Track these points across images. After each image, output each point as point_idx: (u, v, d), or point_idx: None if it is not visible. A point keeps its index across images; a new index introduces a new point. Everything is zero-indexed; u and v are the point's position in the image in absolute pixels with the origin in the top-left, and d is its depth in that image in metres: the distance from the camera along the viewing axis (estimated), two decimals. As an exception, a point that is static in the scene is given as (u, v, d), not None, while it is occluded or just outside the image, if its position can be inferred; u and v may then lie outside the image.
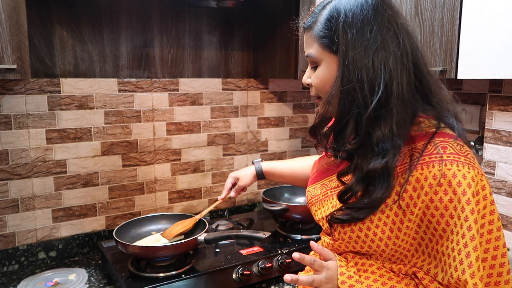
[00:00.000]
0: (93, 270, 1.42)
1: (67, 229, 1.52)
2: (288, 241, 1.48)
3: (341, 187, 0.86)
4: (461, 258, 0.72)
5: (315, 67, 0.86)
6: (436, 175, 0.74)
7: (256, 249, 1.40)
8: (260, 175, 1.37)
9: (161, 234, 1.36)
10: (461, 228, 0.73)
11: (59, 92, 1.44)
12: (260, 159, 1.41)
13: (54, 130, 1.45)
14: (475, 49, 1.17)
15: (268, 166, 1.37)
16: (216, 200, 1.43)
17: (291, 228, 1.58)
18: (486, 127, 1.35)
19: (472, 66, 1.17)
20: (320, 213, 0.94)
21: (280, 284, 1.36)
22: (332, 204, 0.90)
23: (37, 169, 1.44)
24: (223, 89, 1.77)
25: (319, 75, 0.85)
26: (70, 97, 1.47)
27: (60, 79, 1.44)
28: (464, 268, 0.72)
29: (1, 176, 1.39)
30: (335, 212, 0.85)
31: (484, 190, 0.75)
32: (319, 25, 0.83)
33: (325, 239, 0.94)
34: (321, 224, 0.95)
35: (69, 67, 1.46)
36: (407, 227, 0.79)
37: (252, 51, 1.81)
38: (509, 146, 1.30)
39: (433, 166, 0.75)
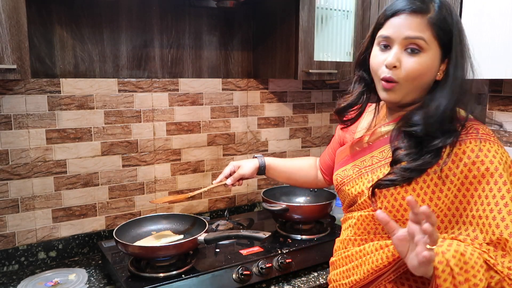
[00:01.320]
0: (93, 270, 1.42)
1: (67, 229, 1.52)
2: (288, 241, 1.48)
3: (375, 165, 0.96)
4: (503, 216, 0.81)
5: (411, 52, 0.87)
6: (474, 149, 0.86)
7: (256, 249, 1.40)
8: (261, 169, 1.37)
9: (150, 201, 1.43)
10: (499, 192, 0.82)
11: (59, 92, 1.44)
12: (261, 155, 1.40)
13: (54, 130, 1.45)
14: (475, 49, 1.17)
15: (271, 161, 1.39)
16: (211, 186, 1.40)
17: (291, 228, 1.58)
18: (486, 127, 1.34)
19: (472, 66, 1.17)
20: (356, 190, 1.00)
21: (280, 284, 1.36)
22: (368, 180, 0.97)
23: (37, 169, 1.44)
24: (223, 89, 1.77)
25: (422, 62, 0.87)
26: (70, 97, 1.47)
27: (60, 79, 1.44)
28: (507, 224, 0.81)
29: (1, 176, 1.39)
30: (382, 178, 0.91)
31: (508, 163, 0.86)
32: (435, 14, 0.87)
33: (361, 213, 0.97)
34: (358, 199, 0.99)
35: (69, 67, 1.46)
36: (446, 196, 0.86)
37: (252, 51, 1.81)
38: (509, 146, 1.30)
39: (470, 142, 0.86)
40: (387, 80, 0.90)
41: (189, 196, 1.41)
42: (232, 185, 1.36)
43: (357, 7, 1.68)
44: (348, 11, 1.69)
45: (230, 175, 1.37)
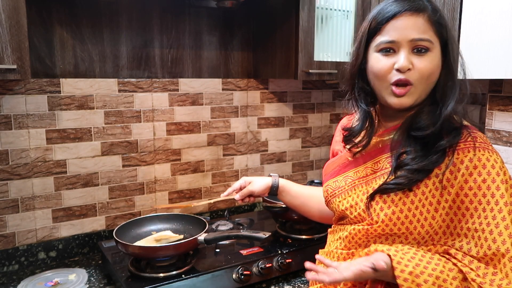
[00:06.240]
0: (93, 270, 1.42)
1: (67, 229, 1.52)
2: (288, 241, 1.48)
3: (370, 177, 0.93)
4: (500, 230, 0.80)
5: (418, 52, 0.86)
6: (472, 159, 0.84)
7: (256, 249, 1.40)
8: (274, 189, 1.31)
9: (151, 206, 1.45)
10: (496, 205, 0.81)
11: (59, 92, 1.45)
12: (277, 174, 1.34)
13: (54, 130, 1.45)
14: (475, 49, 1.17)
15: (285, 183, 1.32)
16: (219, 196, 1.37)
17: (291, 228, 1.58)
18: (486, 127, 1.35)
19: (472, 66, 1.17)
20: (348, 202, 0.96)
21: (280, 284, 1.36)
22: (362, 192, 0.93)
23: (37, 169, 1.44)
24: (223, 89, 1.77)
25: (432, 61, 0.87)
26: (70, 97, 1.47)
27: (60, 79, 1.44)
28: (504, 239, 0.80)
29: (1, 176, 1.39)
30: (387, 182, 0.88)
31: (506, 174, 0.86)
32: (432, 11, 0.87)
33: (354, 227, 0.93)
34: (348, 212, 0.95)
35: (69, 67, 1.46)
36: (443, 208, 0.86)
37: (252, 51, 1.81)
38: (509, 146, 1.30)
39: (468, 152, 0.85)
40: (401, 84, 0.87)
41: (192, 206, 1.41)
42: (242, 200, 1.32)
43: (357, 7, 1.68)
44: (348, 11, 1.69)
45: (241, 189, 1.32)
